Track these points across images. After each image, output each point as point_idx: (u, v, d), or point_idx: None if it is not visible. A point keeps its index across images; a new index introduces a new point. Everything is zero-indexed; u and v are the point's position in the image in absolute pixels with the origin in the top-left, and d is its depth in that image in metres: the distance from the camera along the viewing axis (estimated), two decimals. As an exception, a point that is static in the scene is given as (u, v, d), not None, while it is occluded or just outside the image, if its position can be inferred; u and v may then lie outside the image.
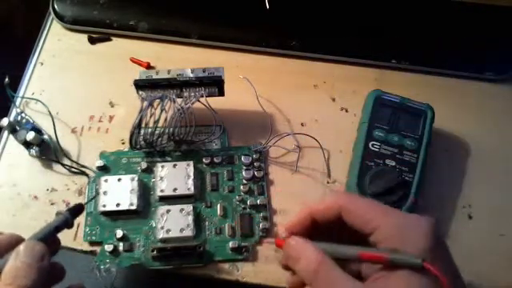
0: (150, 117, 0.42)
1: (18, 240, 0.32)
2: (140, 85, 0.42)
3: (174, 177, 0.42)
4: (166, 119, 0.42)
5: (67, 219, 0.34)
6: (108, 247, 0.39)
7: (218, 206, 0.42)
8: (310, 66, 0.52)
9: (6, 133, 0.45)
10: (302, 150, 0.46)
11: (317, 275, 0.29)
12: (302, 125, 0.48)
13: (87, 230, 0.40)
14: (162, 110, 0.42)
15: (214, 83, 0.43)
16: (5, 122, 0.43)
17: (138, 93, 0.43)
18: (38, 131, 0.44)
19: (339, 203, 0.31)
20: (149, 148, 0.43)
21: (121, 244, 0.40)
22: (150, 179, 0.43)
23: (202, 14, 0.52)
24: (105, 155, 0.44)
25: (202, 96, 0.43)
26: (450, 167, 0.47)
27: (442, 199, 0.45)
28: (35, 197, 0.43)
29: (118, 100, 0.48)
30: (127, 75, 0.44)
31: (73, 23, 0.52)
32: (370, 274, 0.29)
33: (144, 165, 0.43)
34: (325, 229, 0.32)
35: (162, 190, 0.41)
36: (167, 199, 0.42)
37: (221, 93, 0.44)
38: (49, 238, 0.32)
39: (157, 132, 0.42)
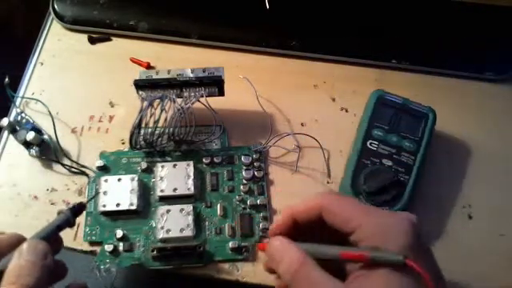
0: (150, 117, 0.42)
1: (20, 239, 0.32)
2: (140, 85, 0.42)
3: (173, 177, 0.42)
4: (165, 119, 0.42)
5: (69, 218, 0.34)
6: (108, 247, 0.39)
7: (218, 205, 0.42)
8: (310, 66, 0.52)
9: (5, 133, 0.45)
10: (301, 149, 0.46)
11: (298, 275, 0.28)
12: (302, 125, 0.48)
13: (87, 229, 0.40)
14: (162, 110, 0.42)
15: (214, 83, 0.43)
16: (5, 122, 0.43)
17: (138, 93, 0.43)
18: (38, 131, 0.44)
19: (320, 203, 0.31)
20: (149, 148, 0.43)
21: (121, 244, 0.40)
22: (150, 179, 0.43)
23: (202, 14, 0.52)
24: (105, 155, 0.44)
25: (202, 96, 0.43)
26: (449, 167, 0.47)
27: (442, 199, 0.45)
28: (35, 197, 0.43)
29: (118, 100, 0.48)
30: (127, 75, 0.44)
31: (73, 23, 0.52)
32: (353, 272, 0.29)
33: (144, 165, 0.43)
34: (307, 229, 0.32)
35: (162, 190, 0.41)
36: (167, 199, 0.42)
37: (221, 93, 0.44)
38: (51, 237, 0.32)
39: (157, 132, 0.42)
